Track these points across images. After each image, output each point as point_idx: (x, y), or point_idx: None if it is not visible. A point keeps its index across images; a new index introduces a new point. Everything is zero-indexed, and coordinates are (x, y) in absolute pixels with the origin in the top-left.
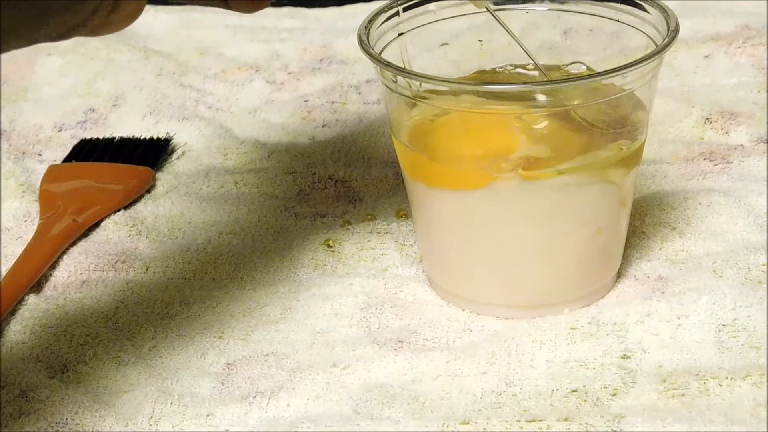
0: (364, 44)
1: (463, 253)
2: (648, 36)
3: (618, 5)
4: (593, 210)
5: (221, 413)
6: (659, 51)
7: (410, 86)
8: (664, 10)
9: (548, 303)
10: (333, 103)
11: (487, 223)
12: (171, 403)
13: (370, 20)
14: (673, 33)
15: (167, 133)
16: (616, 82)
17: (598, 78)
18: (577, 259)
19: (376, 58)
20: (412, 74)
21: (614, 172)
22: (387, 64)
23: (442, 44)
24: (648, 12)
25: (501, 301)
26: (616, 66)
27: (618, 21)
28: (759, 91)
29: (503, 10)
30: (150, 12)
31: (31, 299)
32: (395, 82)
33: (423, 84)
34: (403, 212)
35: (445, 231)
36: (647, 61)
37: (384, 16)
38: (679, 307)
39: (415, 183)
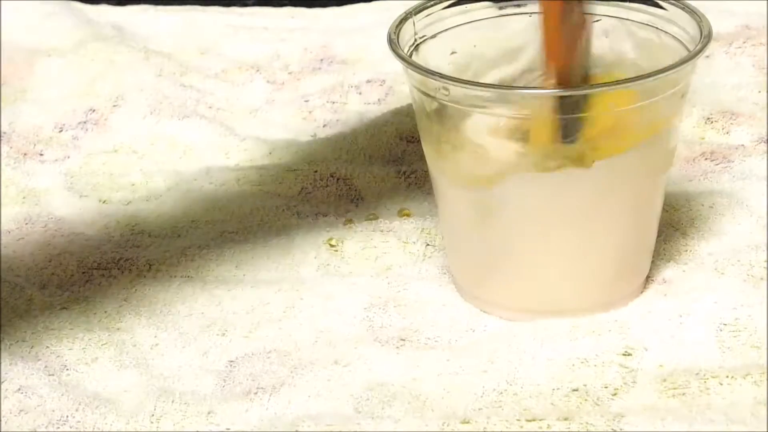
0: (394, 45)
1: (486, 252)
2: (678, 39)
3: (648, 8)
4: (626, 210)
5: (222, 411)
6: (693, 56)
7: (448, 91)
8: (695, 14)
9: (576, 308)
10: (334, 103)
11: (517, 220)
12: (172, 401)
13: (400, 22)
14: (706, 39)
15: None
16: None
17: (632, 83)
18: (609, 262)
19: (412, 63)
20: (448, 79)
21: (646, 173)
22: (427, 71)
23: (474, 46)
24: (666, 9)
25: (528, 306)
26: (651, 71)
27: (649, 25)
28: (759, 91)
29: (506, 15)
30: (150, 12)
31: (33, 297)
32: (447, 93)
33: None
34: (405, 212)
35: (468, 228)
36: (681, 66)
37: (410, 20)
38: (680, 306)
39: (444, 176)
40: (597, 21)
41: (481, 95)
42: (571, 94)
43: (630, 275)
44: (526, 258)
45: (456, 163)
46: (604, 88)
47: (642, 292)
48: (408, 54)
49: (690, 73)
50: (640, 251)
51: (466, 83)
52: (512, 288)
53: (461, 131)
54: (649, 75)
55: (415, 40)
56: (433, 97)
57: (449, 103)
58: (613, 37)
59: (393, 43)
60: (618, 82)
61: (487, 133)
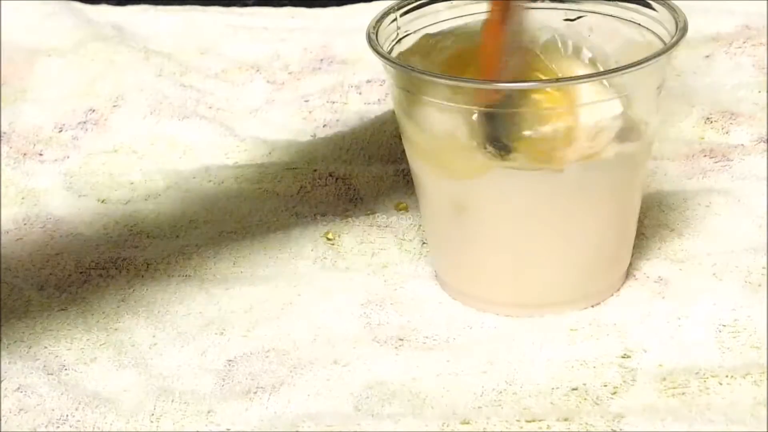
0: (374, 43)
1: (466, 248)
2: (656, 34)
3: (626, 3)
4: (605, 205)
5: (222, 410)
6: (668, 49)
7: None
8: (672, 9)
9: (555, 302)
10: (333, 103)
11: (495, 215)
12: (172, 401)
13: (380, 18)
14: (681, 31)
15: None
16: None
17: (607, 75)
18: (589, 255)
19: (391, 59)
20: (425, 74)
21: (626, 168)
22: (404, 66)
23: None
24: (655, 10)
25: (509, 299)
26: (627, 63)
27: (623, 19)
28: (759, 91)
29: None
30: (150, 12)
31: (32, 297)
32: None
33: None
34: (402, 205)
35: (448, 224)
36: (651, 61)
37: (392, 16)
38: (679, 307)
39: (422, 171)
40: (580, 17)
41: (457, 89)
42: (546, 86)
43: (610, 268)
44: (505, 253)
45: (435, 159)
46: (575, 82)
47: (623, 285)
48: (390, 49)
49: (663, 68)
50: (620, 245)
51: (441, 77)
52: (494, 283)
53: (439, 126)
54: (616, 70)
55: (397, 35)
56: (410, 92)
57: (427, 98)
58: (595, 34)
59: (371, 39)
60: (587, 76)
61: (465, 129)
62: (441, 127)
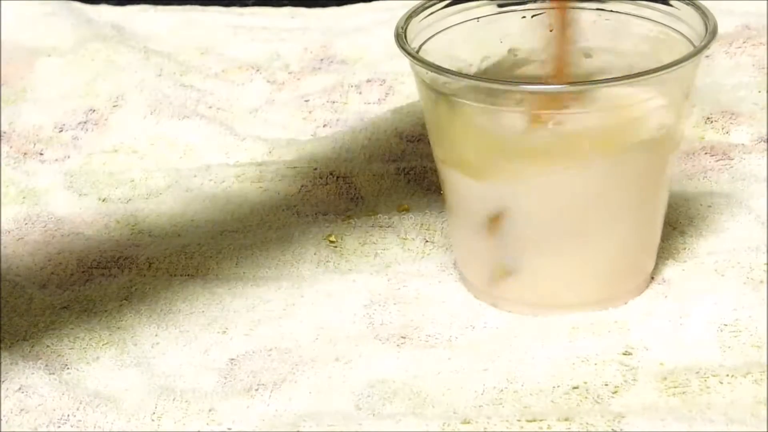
0: (402, 41)
1: (498, 248)
2: (684, 35)
3: (652, 4)
4: (630, 208)
5: (223, 408)
6: (698, 51)
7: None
8: (700, 10)
9: (581, 302)
10: (334, 102)
11: (528, 215)
12: (174, 400)
13: (407, 18)
14: (711, 34)
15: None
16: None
17: (635, 78)
18: (613, 258)
19: (419, 59)
20: (453, 74)
21: (652, 170)
22: (437, 67)
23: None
24: (681, 10)
25: (539, 301)
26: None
27: (658, 22)
28: (759, 91)
29: (506, 12)
30: (150, 12)
31: (34, 296)
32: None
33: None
34: (404, 207)
35: (480, 223)
36: (685, 62)
37: (423, 14)
38: (680, 306)
39: (450, 171)
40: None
41: (489, 90)
42: (578, 89)
43: (633, 272)
44: (538, 253)
45: (469, 159)
46: (609, 83)
47: (645, 290)
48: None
49: (695, 68)
50: (644, 248)
51: (476, 79)
52: (522, 283)
53: (473, 127)
54: (652, 71)
55: (416, 45)
56: (443, 94)
57: (462, 100)
58: (620, 34)
59: (400, 38)
60: (621, 78)
61: (493, 129)
62: (477, 129)
